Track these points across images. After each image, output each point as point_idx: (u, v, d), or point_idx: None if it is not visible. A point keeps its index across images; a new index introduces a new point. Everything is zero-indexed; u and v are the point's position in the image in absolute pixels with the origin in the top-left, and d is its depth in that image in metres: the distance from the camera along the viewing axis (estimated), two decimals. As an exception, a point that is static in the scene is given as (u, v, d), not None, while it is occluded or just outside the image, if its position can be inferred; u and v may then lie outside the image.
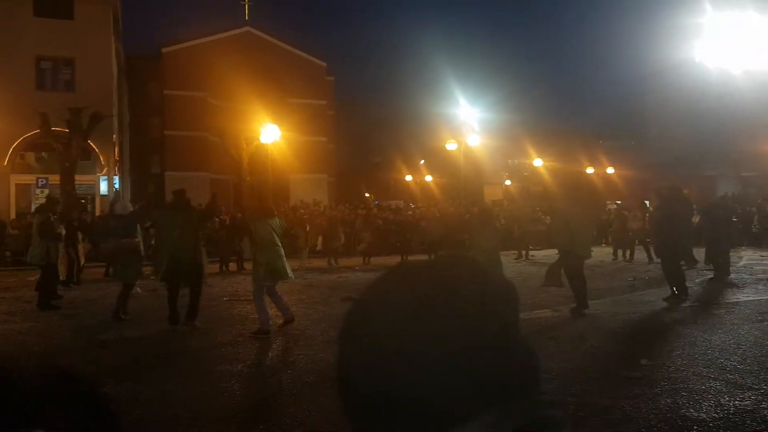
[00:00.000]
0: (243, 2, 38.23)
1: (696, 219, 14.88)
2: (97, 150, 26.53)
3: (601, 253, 17.56)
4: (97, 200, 27.51)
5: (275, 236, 8.27)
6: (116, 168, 28.86)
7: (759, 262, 16.72)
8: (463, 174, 34.31)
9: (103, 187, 28.02)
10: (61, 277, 11.93)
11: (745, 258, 17.70)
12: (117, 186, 28.93)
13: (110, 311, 9.42)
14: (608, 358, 6.66)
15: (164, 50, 36.61)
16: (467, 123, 35.25)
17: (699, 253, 14.34)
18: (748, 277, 13.28)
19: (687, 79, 33.99)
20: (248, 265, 12.69)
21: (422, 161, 51.11)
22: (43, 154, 26.43)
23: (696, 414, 4.61)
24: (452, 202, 33.17)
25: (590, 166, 44.44)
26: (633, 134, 48.79)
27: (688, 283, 10.44)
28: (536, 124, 46.87)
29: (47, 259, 10.73)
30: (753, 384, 5.34)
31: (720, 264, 12.69)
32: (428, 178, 49.97)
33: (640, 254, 17.77)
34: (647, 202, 18.66)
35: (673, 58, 32.40)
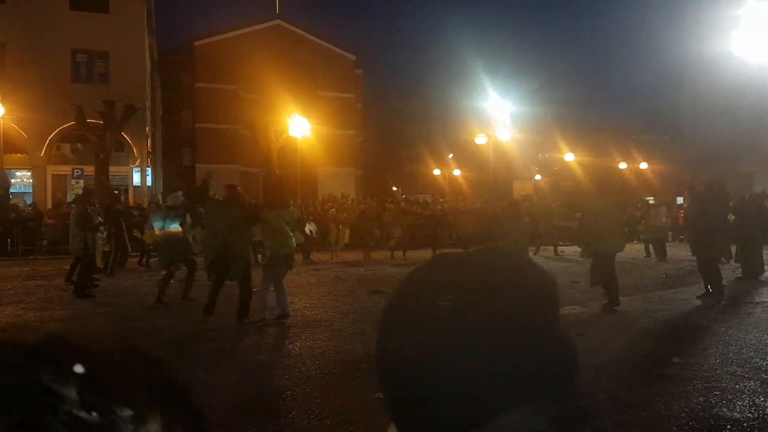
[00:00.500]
0: (274, -4, 38.47)
1: (732, 216, 14.57)
2: (130, 142, 27.00)
3: (632, 249, 17.29)
4: (130, 191, 28.01)
5: (284, 225, 8.38)
6: (149, 160, 29.32)
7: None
8: (492, 168, 34.10)
9: (136, 179, 28.51)
10: (99, 266, 12.22)
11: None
12: (150, 177, 29.38)
13: (143, 300, 9.61)
14: (639, 355, 6.57)
15: (196, 44, 37.03)
16: (497, 116, 34.96)
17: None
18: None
19: (723, 73, 33.23)
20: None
21: (451, 155, 50.87)
22: (79, 145, 26.99)
23: (729, 413, 4.53)
24: (480, 196, 32.99)
25: (623, 161, 43.80)
26: (667, 129, 47.90)
27: (724, 282, 10.23)
28: (568, 117, 46.20)
29: (85, 250, 11.05)
30: (789, 384, 5.22)
31: (752, 262, 12.41)
32: (456, 172, 49.75)
33: (671, 250, 17.44)
34: (680, 199, 18.30)
35: (709, 51, 31.69)
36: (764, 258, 13.14)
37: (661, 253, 17.70)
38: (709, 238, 9.76)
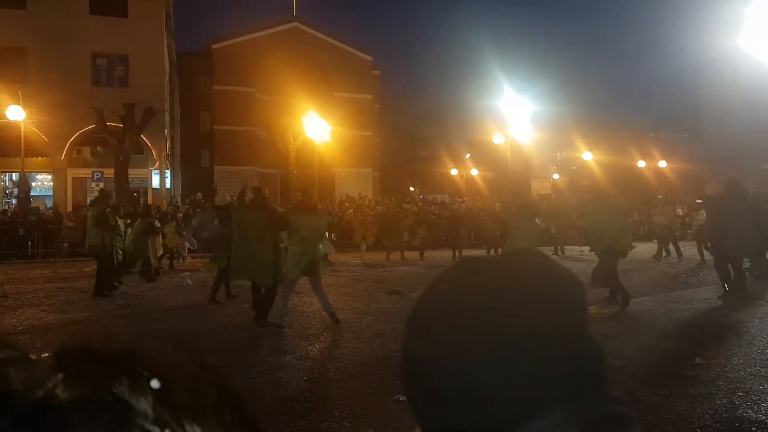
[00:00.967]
0: (290, -2, 38.56)
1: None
2: (149, 144, 27.24)
3: (644, 249, 17.05)
4: (149, 193, 28.26)
5: (309, 232, 8.21)
6: (168, 162, 29.56)
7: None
8: (510, 168, 33.91)
9: (155, 181, 28.76)
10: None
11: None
12: (168, 180, 29.62)
13: (162, 301, 9.68)
14: (660, 355, 6.49)
15: (214, 46, 37.23)
16: (515, 115, 34.77)
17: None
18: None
19: (743, 69, 32.76)
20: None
21: (468, 155, 50.69)
22: (99, 148, 27.26)
23: (754, 415, 4.46)
24: (497, 196, 32.84)
25: (642, 159, 43.34)
26: (687, 127, 47.32)
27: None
28: (586, 116, 45.77)
29: (102, 249, 11.18)
30: (815, 386, 5.13)
31: (766, 261, 12.17)
32: (474, 171, 49.57)
33: (686, 250, 17.22)
34: (699, 201, 18.01)
35: (729, 47, 31.24)
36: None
37: (667, 251, 17.44)
38: (732, 238, 9.59)
